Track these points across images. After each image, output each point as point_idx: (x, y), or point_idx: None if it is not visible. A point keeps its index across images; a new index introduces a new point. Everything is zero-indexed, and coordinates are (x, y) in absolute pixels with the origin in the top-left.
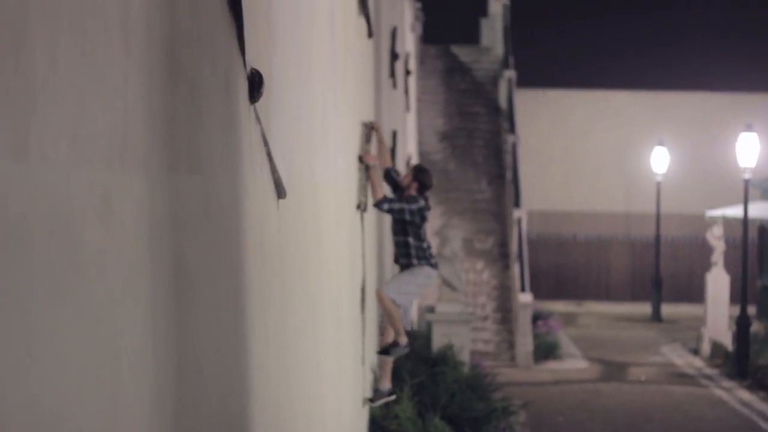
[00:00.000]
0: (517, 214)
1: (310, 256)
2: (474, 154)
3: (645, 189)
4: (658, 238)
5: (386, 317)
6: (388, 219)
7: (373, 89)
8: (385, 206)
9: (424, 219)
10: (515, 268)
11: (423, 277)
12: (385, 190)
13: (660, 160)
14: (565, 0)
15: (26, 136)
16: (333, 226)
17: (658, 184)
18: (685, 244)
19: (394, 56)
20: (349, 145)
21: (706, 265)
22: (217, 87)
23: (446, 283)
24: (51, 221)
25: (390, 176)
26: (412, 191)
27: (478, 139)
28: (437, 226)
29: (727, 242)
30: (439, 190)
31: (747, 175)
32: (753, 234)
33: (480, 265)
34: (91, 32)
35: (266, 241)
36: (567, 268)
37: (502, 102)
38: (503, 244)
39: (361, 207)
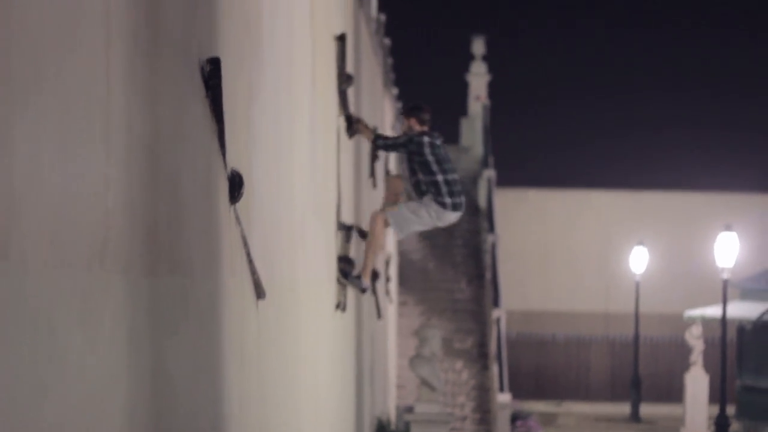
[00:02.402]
0: (496, 313)
1: (289, 357)
2: (453, 254)
3: (625, 288)
4: (637, 337)
5: (366, 242)
6: (366, 320)
7: (353, 189)
8: (380, 142)
9: (422, 152)
10: (494, 368)
11: (429, 211)
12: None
13: (639, 260)
14: (544, 101)
15: (7, 237)
16: (312, 326)
17: (637, 283)
18: (664, 343)
19: (374, 156)
20: (328, 245)
21: (686, 365)
22: (198, 188)
23: (425, 383)
24: (31, 322)
25: (380, 140)
26: (416, 128)
27: (458, 238)
28: (416, 325)
29: (706, 342)
30: (418, 289)
31: (726, 275)
32: (732, 334)
33: (459, 364)
34: (72, 134)
35: (246, 342)
36: (546, 368)
37: (482, 201)
38: (482, 344)
39: (340, 307)
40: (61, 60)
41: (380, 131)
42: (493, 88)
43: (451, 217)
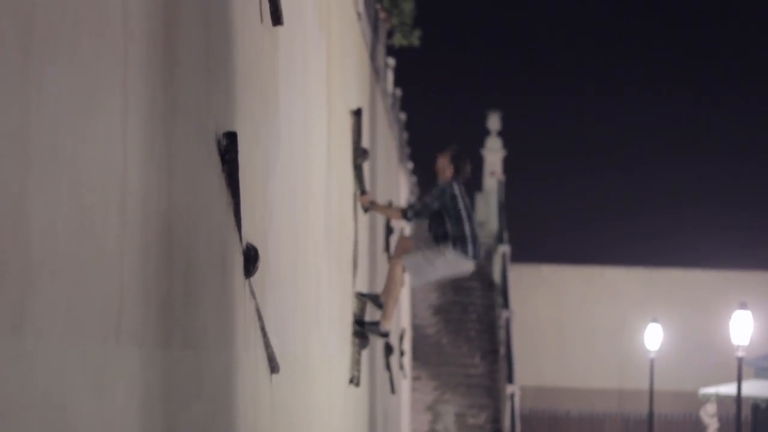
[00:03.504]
0: (510, 389)
1: (303, 431)
2: (467, 329)
3: (639, 365)
4: (651, 415)
5: (386, 287)
6: (379, 395)
7: (368, 263)
8: (410, 214)
9: (455, 203)
10: None
11: (448, 261)
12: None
13: (653, 337)
14: (560, 177)
15: (22, 309)
16: (325, 400)
17: (652, 360)
18: (678, 421)
19: (389, 230)
20: (343, 319)
21: None
22: (213, 261)
23: None
24: (44, 395)
25: (410, 212)
26: (447, 174)
27: (472, 313)
28: (430, 400)
29: (721, 420)
30: (432, 364)
31: (740, 353)
32: (746, 412)
33: None
34: (88, 207)
35: (259, 417)
36: None
37: (496, 277)
38: (496, 420)
39: (354, 381)
40: (77, 131)
41: (395, 205)
42: (509, 164)
43: (469, 265)
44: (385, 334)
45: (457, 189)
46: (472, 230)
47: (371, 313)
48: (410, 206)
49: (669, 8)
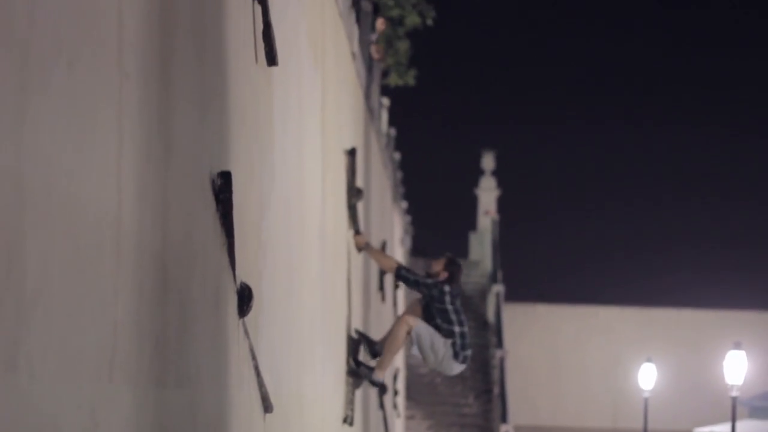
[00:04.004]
0: (504, 428)
1: None
2: None
3: (633, 404)
4: None
5: (387, 340)
6: (375, 430)
7: (362, 302)
8: (403, 272)
9: (443, 300)
10: None
11: (446, 356)
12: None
13: (648, 377)
14: (554, 216)
15: (15, 349)
16: None
17: (646, 400)
18: None
19: (382, 270)
20: (336, 358)
21: None
22: (207, 301)
23: None
24: None
25: (403, 271)
26: (440, 278)
27: None
28: None
29: None
30: (425, 403)
31: (735, 393)
32: None
33: None
34: (83, 246)
35: None
36: None
37: (490, 316)
38: None
39: (348, 421)
40: (72, 170)
41: (389, 245)
42: (503, 203)
43: (456, 369)
44: (377, 385)
45: (448, 290)
46: (462, 334)
47: (366, 353)
48: (406, 269)
49: (661, 47)
